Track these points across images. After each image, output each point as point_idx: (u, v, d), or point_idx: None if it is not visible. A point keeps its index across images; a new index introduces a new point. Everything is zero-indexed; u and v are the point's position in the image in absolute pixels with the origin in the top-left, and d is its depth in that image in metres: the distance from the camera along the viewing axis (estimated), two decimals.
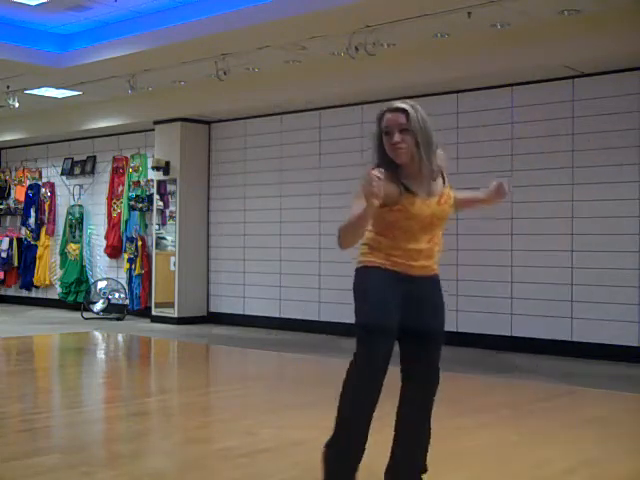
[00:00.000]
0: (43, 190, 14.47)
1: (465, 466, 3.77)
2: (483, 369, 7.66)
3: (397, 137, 3.33)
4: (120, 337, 10.38)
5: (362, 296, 3.44)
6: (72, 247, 13.83)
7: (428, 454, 3.54)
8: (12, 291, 15.13)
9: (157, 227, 12.16)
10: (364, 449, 3.47)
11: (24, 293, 14.87)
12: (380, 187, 3.11)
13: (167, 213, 12.09)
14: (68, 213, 14.00)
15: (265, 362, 8.49)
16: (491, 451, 4.50)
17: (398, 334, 3.41)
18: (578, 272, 8.47)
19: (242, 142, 11.68)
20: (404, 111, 3.34)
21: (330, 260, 10.52)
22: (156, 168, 11.91)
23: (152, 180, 12.30)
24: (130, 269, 12.57)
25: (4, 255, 14.76)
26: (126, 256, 12.65)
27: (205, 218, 12.10)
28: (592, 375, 7.41)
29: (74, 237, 13.90)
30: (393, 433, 3.56)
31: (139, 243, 12.44)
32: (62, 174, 14.21)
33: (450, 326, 9.79)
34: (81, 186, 13.94)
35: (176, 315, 11.73)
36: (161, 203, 12.13)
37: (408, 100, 3.46)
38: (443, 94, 9.41)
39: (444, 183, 3.48)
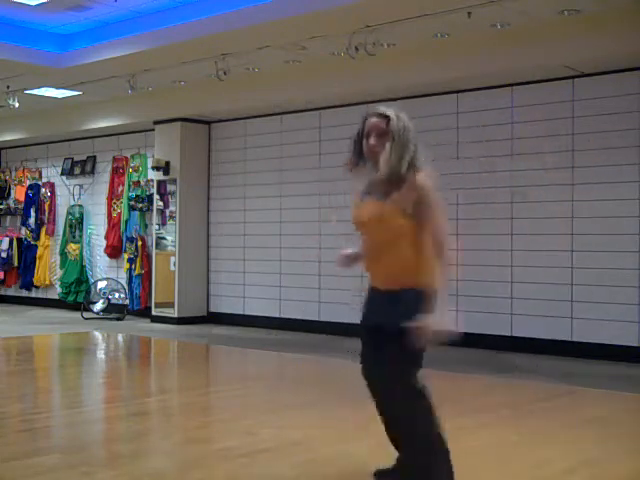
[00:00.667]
0: (43, 190, 14.47)
1: (465, 466, 3.76)
2: (483, 369, 7.66)
3: (372, 140, 3.45)
4: (120, 337, 10.38)
5: None
6: (72, 247, 13.83)
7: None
8: (12, 291, 15.13)
9: (157, 227, 12.16)
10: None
11: (24, 293, 14.87)
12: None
13: (167, 213, 12.09)
14: (68, 213, 14.00)
15: (265, 362, 8.49)
16: (491, 451, 4.50)
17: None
18: (578, 272, 8.47)
19: (242, 142, 11.68)
20: (386, 117, 3.44)
21: (330, 260, 10.51)
22: (156, 168, 11.91)
23: (152, 180, 12.30)
24: (130, 269, 12.57)
25: (4, 255, 14.77)
26: (126, 256, 12.66)
27: (205, 218, 12.10)
28: (592, 375, 7.41)
29: (74, 237, 13.90)
30: None
31: (139, 243, 12.44)
32: (62, 174, 14.21)
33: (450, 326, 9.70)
34: (81, 186, 13.94)
35: (176, 315, 11.73)
36: (161, 203, 12.13)
37: (395, 108, 3.51)
38: (443, 94, 9.41)
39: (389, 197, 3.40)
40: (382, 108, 3.49)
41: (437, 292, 3.33)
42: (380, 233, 3.43)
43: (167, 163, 11.85)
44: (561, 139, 8.60)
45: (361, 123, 3.55)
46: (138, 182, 12.73)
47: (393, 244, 3.41)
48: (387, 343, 3.41)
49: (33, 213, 14.57)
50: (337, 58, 9.17)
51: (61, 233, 14.15)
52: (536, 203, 8.78)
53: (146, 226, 12.58)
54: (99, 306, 12.78)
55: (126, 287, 12.69)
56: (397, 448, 3.61)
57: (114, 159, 13.26)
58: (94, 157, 13.74)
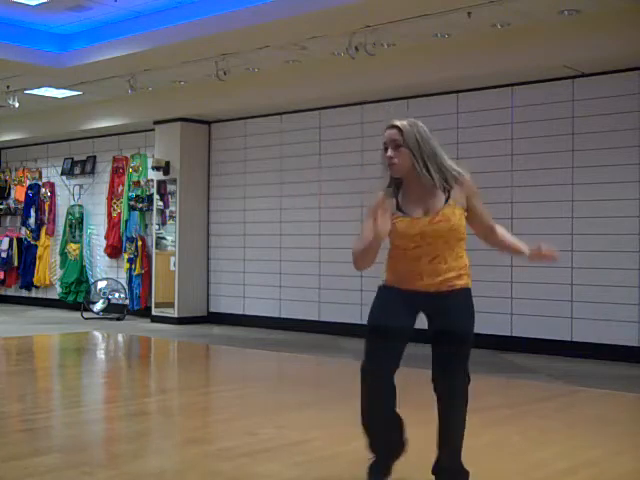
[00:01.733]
0: (43, 190, 14.47)
1: (465, 466, 3.77)
2: (483, 369, 7.66)
3: (389, 152, 3.48)
4: (120, 337, 10.38)
5: (370, 310, 3.70)
6: (72, 247, 13.83)
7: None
8: (12, 291, 15.13)
9: (157, 227, 12.16)
10: (392, 447, 3.66)
11: (24, 293, 14.87)
12: (385, 222, 3.33)
13: (167, 213, 12.08)
14: (68, 213, 14.00)
15: (265, 362, 8.49)
16: (491, 451, 4.50)
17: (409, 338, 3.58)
18: (578, 272, 8.47)
19: (242, 142, 11.68)
20: (398, 128, 3.47)
21: (330, 260, 10.52)
22: (156, 168, 11.91)
23: (152, 180, 12.30)
24: (130, 269, 12.57)
25: (4, 255, 14.77)
26: (126, 256, 12.66)
27: (205, 218, 12.10)
28: (592, 375, 7.41)
29: (74, 237, 13.89)
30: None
31: (139, 243, 12.44)
32: (62, 174, 14.21)
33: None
34: (81, 186, 13.94)
35: (176, 315, 11.73)
36: (161, 203, 12.13)
37: (411, 118, 3.56)
38: (443, 94, 9.41)
39: (447, 201, 3.50)
40: (394, 120, 3.52)
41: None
42: (442, 248, 3.51)
43: (167, 163, 11.85)
44: (561, 139, 8.60)
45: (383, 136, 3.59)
46: (138, 182, 12.72)
47: (452, 248, 3.54)
48: (457, 344, 3.63)
49: (33, 213, 14.56)
50: (337, 58, 9.17)
51: (61, 233, 14.15)
52: (536, 203, 8.78)
53: (146, 226, 12.58)
54: (99, 306, 12.77)
55: (126, 287, 12.69)
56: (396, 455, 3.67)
57: (114, 159, 13.26)
58: (94, 157, 13.74)
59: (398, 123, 3.48)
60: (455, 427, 3.60)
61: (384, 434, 3.66)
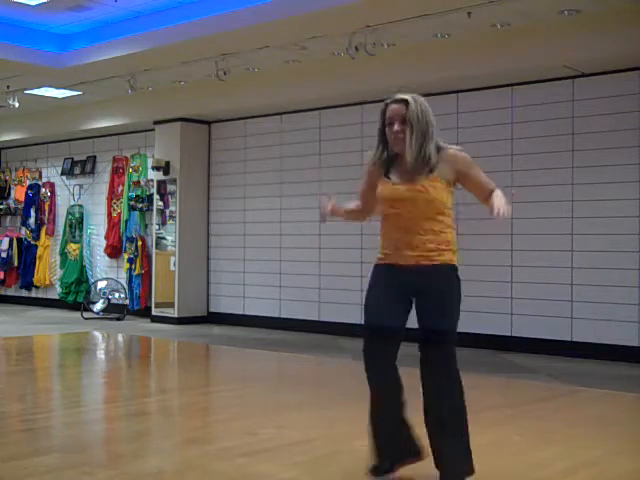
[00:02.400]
0: (43, 190, 14.47)
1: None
2: (483, 369, 7.66)
3: (397, 127, 3.56)
4: (120, 337, 10.38)
5: (365, 300, 3.72)
6: (72, 247, 13.83)
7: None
8: (12, 291, 15.13)
9: (157, 227, 12.16)
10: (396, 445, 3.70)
11: (24, 293, 14.88)
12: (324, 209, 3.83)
13: (167, 213, 12.09)
14: (68, 213, 14.00)
15: (265, 362, 8.49)
16: (491, 451, 4.50)
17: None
18: (578, 272, 8.47)
19: (242, 142, 11.68)
20: (405, 102, 3.56)
21: (330, 260, 10.52)
22: (156, 168, 11.91)
23: (152, 180, 12.30)
24: (130, 269, 12.57)
25: (4, 255, 14.77)
26: (126, 256, 12.66)
27: (205, 218, 12.10)
28: (592, 375, 7.41)
29: (74, 237, 13.89)
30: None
31: (139, 243, 12.45)
32: (62, 174, 14.22)
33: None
34: (81, 186, 13.94)
35: (176, 315, 11.73)
36: (161, 203, 12.13)
37: (412, 93, 3.65)
38: (443, 94, 9.41)
39: (431, 172, 3.56)
40: (399, 94, 3.62)
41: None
42: (419, 218, 3.54)
43: (167, 163, 11.85)
44: (561, 139, 8.60)
45: (382, 113, 3.67)
46: (138, 182, 12.73)
47: (431, 221, 3.54)
48: (437, 342, 3.55)
49: (33, 213, 14.57)
50: (337, 58, 9.17)
51: (61, 233, 14.15)
52: (536, 203, 8.78)
53: (146, 226, 12.58)
54: (99, 306, 12.77)
55: (126, 287, 12.69)
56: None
57: (114, 159, 13.26)
58: (94, 157, 13.74)
59: (405, 97, 3.58)
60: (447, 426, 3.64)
61: (393, 433, 3.67)
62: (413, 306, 3.62)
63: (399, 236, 3.59)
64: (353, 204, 3.92)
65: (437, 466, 3.62)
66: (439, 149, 3.58)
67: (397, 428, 3.68)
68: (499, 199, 3.53)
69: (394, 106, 3.58)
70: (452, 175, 3.58)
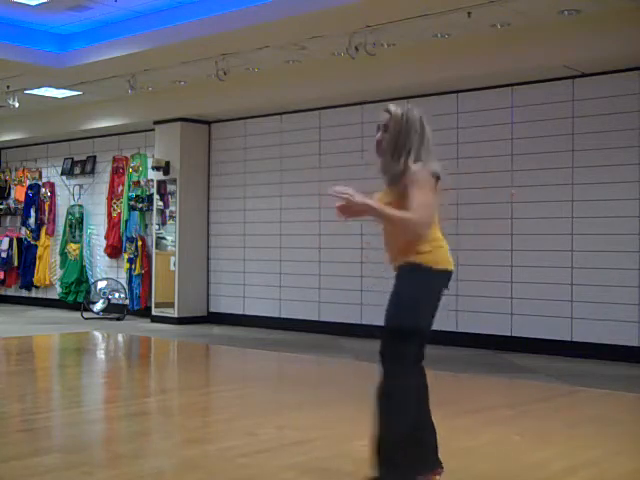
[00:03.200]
0: (43, 190, 14.47)
1: (465, 466, 3.77)
2: (483, 369, 7.66)
3: (378, 135, 3.73)
4: (120, 337, 10.38)
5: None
6: (72, 247, 13.83)
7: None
8: (12, 291, 15.13)
9: (157, 227, 12.16)
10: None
11: (24, 293, 14.87)
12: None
13: (167, 213, 12.09)
14: (68, 213, 14.00)
15: (265, 362, 8.49)
16: (491, 451, 4.50)
17: None
18: (578, 272, 8.47)
19: (242, 142, 11.68)
20: (389, 112, 3.68)
21: (330, 260, 10.52)
22: (156, 168, 11.91)
23: (152, 180, 12.30)
24: (130, 269, 12.57)
25: (4, 255, 14.76)
26: (126, 256, 12.66)
27: (205, 218, 12.10)
28: (592, 375, 7.41)
29: (74, 237, 13.89)
30: None
31: (139, 243, 12.44)
32: (62, 174, 14.21)
33: (450, 326, 9.76)
34: (81, 186, 13.94)
35: (176, 315, 11.73)
36: (161, 203, 12.13)
37: (406, 106, 3.67)
38: (443, 94, 9.41)
39: (394, 186, 3.65)
40: (392, 105, 3.70)
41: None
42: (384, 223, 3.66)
43: (167, 163, 11.85)
44: (561, 139, 8.60)
45: None
46: (138, 182, 12.73)
47: (393, 228, 3.62)
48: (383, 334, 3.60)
49: (33, 213, 14.56)
50: (337, 58, 9.17)
51: (61, 233, 14.15)
52: (536, 203, 8.78)
53: (146, 226, 12.58)
54: (99, 306, 12.77)
55: (126, 287, 12.69)
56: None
57: (114, 159, 13.26)
58: (94, 157, 13.74)
59: (392, 109, 3.67)
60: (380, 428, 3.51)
61: (424, 441, 3.57)
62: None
63: (385, 239, 3.71)
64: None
65: None
66: (403, 169, 3.60)
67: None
68: (355, 196, 3.54)
69: (384, 115, 3.71)
70: (403, 189, 3.56)
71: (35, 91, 11.64)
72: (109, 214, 13.21)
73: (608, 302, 8.23)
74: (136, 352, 9.90)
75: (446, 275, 3.60)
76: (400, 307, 3.54)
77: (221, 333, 10.87)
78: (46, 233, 14.41)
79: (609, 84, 8.31)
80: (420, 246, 3.55)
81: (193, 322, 11.72)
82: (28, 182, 14.80)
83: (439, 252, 3.58)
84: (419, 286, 3.55)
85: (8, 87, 11.21)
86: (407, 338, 3.49)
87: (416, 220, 3.45)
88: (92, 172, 13.72)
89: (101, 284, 12.97)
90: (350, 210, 3.59)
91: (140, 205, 12.50)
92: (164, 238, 12.14)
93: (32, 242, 14.57)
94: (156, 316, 11.99)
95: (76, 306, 13.27)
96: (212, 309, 12.02)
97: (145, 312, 12.35)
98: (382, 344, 3.54)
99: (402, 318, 3.51)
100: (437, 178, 3.58)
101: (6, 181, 15.24)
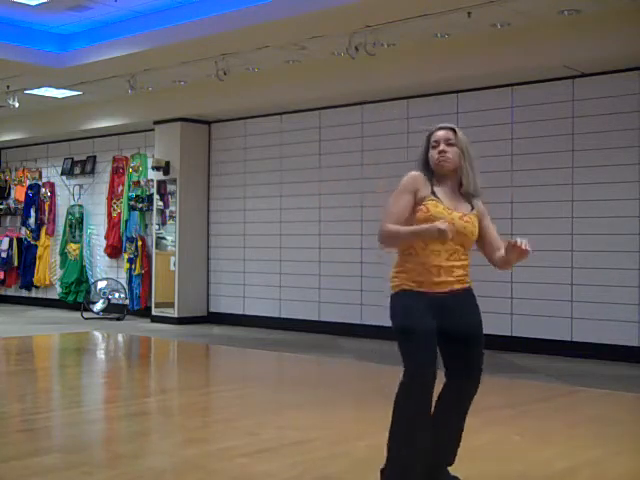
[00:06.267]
0: (43, 190, 14.47)
1: (465, 466, 3.77)
2: (483, 369, 7.65)
3: (442, 147, 3.63)
4: (120, 337, 10.38)
5: (397, 314, 3.59)
6: (72, 247, 13.83)
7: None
8: (12, 291, 15.12)
9: (157, 227, 12.16)
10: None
11: (24, 293, 14.87)
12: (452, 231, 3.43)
13: (167, 213, 12.09)
14: (68, 213, 14.00)
15: (265, 362, 8.49)
16: (491, 451, 4.50)
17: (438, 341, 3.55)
18: (578, 272, 8.47)
19: (242, 142, 11.68)
20: (453, 130, 3.70)
21: (330, 260, 10.52)
22: (156, 168, 11.91)
23: (152, 180, 12.30)
24: (130, 269, 12.57)
25: (4, 255, 14.76)
26: (126, 256, 12.66)
27: (205, 218, 12.10)
28: (592, 375, 7.41)
29: (74, 237, 13.89)
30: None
31: (139, 243, 12.44)
32: (62, 174, 14.21)
33: None
34: (81, 186, 13.94)
35: (176, 315, 11.73)
36: (161, 203, 12.13)
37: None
38: (443, 94, 9.41)
39: (472, 209, 3.67)
40: (445, 123, 3.76)
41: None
42: (460, 246, 3.65)
43: (167, 163, 11.85)
44: (561, 139, 8.60)
45: (427, 139, 3.71)
46: (138, 182, 12.72)
47: (465, 251, 3.71)
48: (480, 339, 3.71)
49: (33, 213, 14.56)
50: (337, 58, 9.17)
51: (61, 233, 14.15)
52: (536, 203, 8.78)
53: (146, 226, 12.58)
54: (99, 306, 12.77)
55: (126, 287, 12.69)
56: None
57: (114, 159, 13.26)
58: (94, 157, 13.74)
59: (453, 126, 3.72)
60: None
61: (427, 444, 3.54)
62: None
63: (436, 260, 3.57)
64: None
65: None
66: (478, 184, 3.74)
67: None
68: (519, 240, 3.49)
69: (441, 132, 3.67)
70: (479, 215, 3.67)
71: (35, 91, 11.64)
72: (109, 214, 13.21)
73: (608, 302, 8.23)
74: (136, 352, 9.91)
75: None
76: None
77: (221, 333, 10.87)
78: (46, 233, 14.41)
79: (609, 84, 8.31)
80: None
81: (193, 322, 11.71)
82: (28, 182, 14.80)
83: None
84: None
85: (8, 87, 11.21)
86: None
87: None
88: (92, 172, 13.72)
89: (101, 284, 12.97)
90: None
91: (140, 205, 12.50)
92: (164, 238, 12.14)
93: (32, 242, 14.57)
94: (156, 316, 11.99)
95: (76, 306, 13.27)
96: (212, 309, 12.02)
97: (145, 312, 12.35)
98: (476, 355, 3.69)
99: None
100: None
101: (6, 181, 15.24)
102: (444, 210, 3.54)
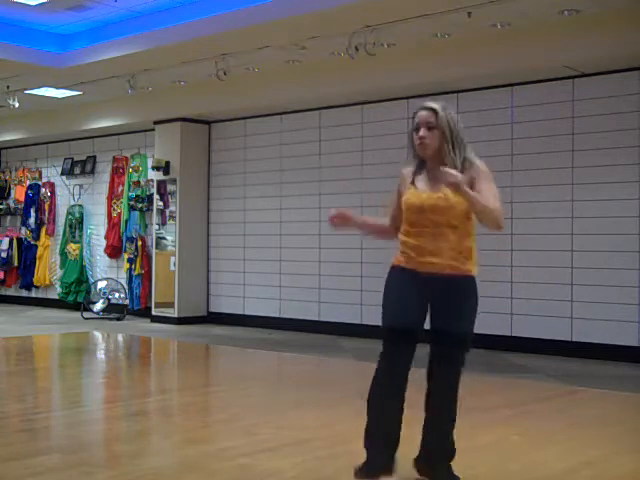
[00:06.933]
0: (43, 190, 14.47)
1: (465, 466, 3.77)
2: (483, 369, 7.66)
3: (422, 132, 3.60)
4: (120, 337, 10.38)
5: (384, 298, 3.68)
6: (72, 247, 13.83)
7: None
8: (12, 291, 15.12)
9: (157, 227, 12.16)
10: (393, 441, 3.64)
11: (24, 293, 14.87)
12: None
13: (167, 213, 12.09)
14: (68, 213, 14.00)
15: (265, 362, 8.49)
16: (491, 451, 4.50)
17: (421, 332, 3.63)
18: (578, 272, 8.47)
19: (242, 142, 11.68)
20: (433, 110, 3.60)
21: (330, 260, 10.52)
22: (156, 168, 11.91)
23: (152, 180, 12.30)
24: (130, 269, 12.57)
25: (4, 255, 14.76)
26: (126, 256, 12.65)
27: (205, 218, 12.10)
28: (592, 375, 7.41)
29: (74, 237, 13.89)
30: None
31: (139, 243, 12.44)
32: (62, 174, 14.21)
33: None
34: (81, 186, 13.94)
35: (176, 315, 11.73)
36: (161, 203, 12.13)
37: (440, 101, 3.69)
38: (443, 94, 9.40)
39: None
40: (428, 102, 3.66)
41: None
42: (442, 226, 3.57)
43: (167, 163, 11.85)
44: (561, 139, 8.60)
45: (412, 120, 3.71)
46: (138, 182, 12.72)
47: (455, 228, 3.59)
48: (453, 345, 3.74)
49: (33, 213, 14.56)
50: (337, 58, 9.17)
51: (61, 233, 14.15)
52: (536, 203, 8.78)
53: (146, 226, 12.58)
54: (99, 306, 12.77)
55: (126, 287, 12.69)
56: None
57: (114, 159, 13.26)
58: (94, 157, 13.74)
59: (434, 105, 3.61)
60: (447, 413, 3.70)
61: (390, 422, 3.64)
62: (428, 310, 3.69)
63: (421, 242, 3.59)
64: (378, 220, 3.91)
65: (427, 459, 3.67)
66: (467, 159, 3.68)
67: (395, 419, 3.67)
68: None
69: (422, 112, 3.63)
70: (468, 183, 3.55)
71: (35, 91, 11.64)
72: (109, 214, 13.21)
73: (608, 302, 8.23)
74: (136, 352, 9.91)
75: None
76: (468, 320, 3.76)
77: (221, 333, 10.87)
78: (46, 233, 14.41)
79: (609, 84, 8.31)
80: (474, 254, 3.71)
81: (193, 322, 11.71)
82: (28, 182, 14.80)
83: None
84: (477, 299, 3.77)
85: (8, 87, 11.21)
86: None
87: (501, 212, 3.54)
88: (92, 172, 13.72)
89: (101, 284, 12.97)
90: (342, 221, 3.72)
91: (140, 205, 12.50)
92: (164, 238, 12.14)
93: (32, 242, 14.56)
94: (156, 316, 11.99)
95: (76, 306, 13.27)
96: (212, 309, 12.02)
97: (145, 312, 12.35)
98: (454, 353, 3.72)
99: (468, 326, 3.75)
100: None
101: (6, 181, 15.24)
102: (412, 195, 3.63)
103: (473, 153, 3.72)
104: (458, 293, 3.65)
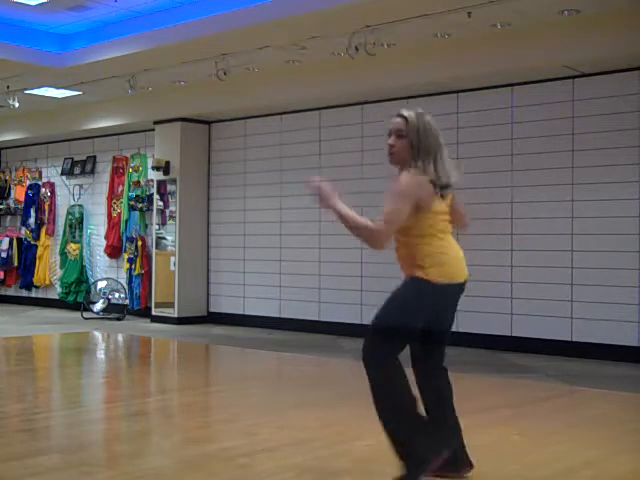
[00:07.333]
0: (43, 190, 14.47)
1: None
2: (483, 369, 7.66)
3: (391, 140, 3.60)
4: (120, 337, 10.38)
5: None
6: (72, 247, 13.83)
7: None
8: (12, 291, 15.13)
9: (157, 227, 12.16)
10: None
11: (24, 293, 14.87)
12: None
13: (167, 213, 12.09)
14: (68, 213, 14.00)
15: (265, 362, 8.49)
16: (491, 451, 4.50)
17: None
18: (578, 272, 8.47)
19: (242, 142, 11.68)
20: (404, 118, 3.57)
21: (330, 260, 10.52)
22: (156, 168, 11.91)
23: (152, 180, 12.30)
24: (130, 269, 12.57)
25: (4, 255, 14.76)
26: (126, 256, 12.65)
27: (205, 218, 12.10)
28: (592, 375, 7.41)
29: (74, 237, 13.89)
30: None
31: (139, 243, 12.44)
32: (62, 174, 14.21)
33: None
34: (81, 186, 13.94)
35: (176, 315, 11.73)
36: (161, 203, 12.13)
37: (419, 108, 3.64)
38: (443, 94, 9.41)
39: None
40: (404, 110, 3.62)
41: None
42: (399, 234, 3.69)
43: (167, 163, 11.85)
44: (561, 139, 8.60)
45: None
46: (138, 182, 12.72)
47: (403, 237, 3.70)
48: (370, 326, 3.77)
49: (33, 213, 14.56)
50: (337, 58, 9.17)
51: (61, 233, 14.15)
52: (536, 203, 8.78)
53: (146, 226, 12.58)
54: (99, 306, 12.78)
55: (126, 287, 12.69)
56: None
57: (114, 159, 13.25)
58: (94, 157, 13.74)
59: (405, 113, 3.58)
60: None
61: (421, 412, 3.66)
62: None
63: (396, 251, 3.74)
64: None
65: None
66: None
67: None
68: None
69: (395, 119, 3.61)
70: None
71: (35, 91, 11.63)
72: (109, 214, 13.21)
73: (608, 302, 8.23)
74: (136, 352, 9.91)
75: (450, 288, 3.68)
76: (386, 309, 3.64)
77: (221, 333, 10.87)
78: (46, 233, 14.41)
79: (609, 84, 8.31)
80: (420, 261, 3.60)
81: (193, 322, 11.72)
82: (28, 182, 14.80)
83: (442, 267, 3.59)
84: (413, 294, 3.63)
85: (8, 87, 11.21)
86: (390, 338, 3.58)
87: (375, 232, 3.55)
88: (92, 172, 13.72)
89: (101, 284, 12.97)
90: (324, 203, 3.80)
91: (140, 205, 12.50)
92: (164, 238, 12.14)
93: (32, 242, 14.56)
94: (156, 316, 11.99)
95: (76, 306, 13.27)
96: (212, 309, 12.02)
97: (145, 312, 12.35)
98: (364, 343, 3.66)
99: (387, 318, 3.62)
100: (434, 185, 3.55)
101: (6, 181, 15.24)
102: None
103: (447, 161, 3.62)
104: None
